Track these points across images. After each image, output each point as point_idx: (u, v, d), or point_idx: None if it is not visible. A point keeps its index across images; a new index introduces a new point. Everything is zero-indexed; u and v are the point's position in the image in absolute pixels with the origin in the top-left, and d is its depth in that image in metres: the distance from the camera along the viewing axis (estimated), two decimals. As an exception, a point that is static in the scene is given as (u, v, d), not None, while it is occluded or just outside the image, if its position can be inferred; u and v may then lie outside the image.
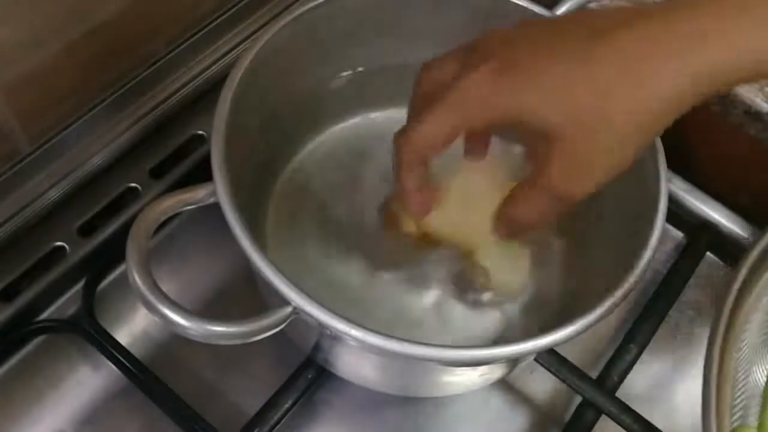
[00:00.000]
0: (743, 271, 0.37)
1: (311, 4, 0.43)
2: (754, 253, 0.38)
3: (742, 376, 0.37)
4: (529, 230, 0.35)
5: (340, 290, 0.45)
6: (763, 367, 0.39)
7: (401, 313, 0.45)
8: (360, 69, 0.50)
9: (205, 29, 0.53)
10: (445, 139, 0.32)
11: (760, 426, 0.35)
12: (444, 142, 0.32)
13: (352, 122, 0.52)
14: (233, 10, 0.54)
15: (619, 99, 0.29)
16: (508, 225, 0.35)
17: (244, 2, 0.54)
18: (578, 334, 0.34)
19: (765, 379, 0.38)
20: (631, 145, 0.31)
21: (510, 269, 0.41)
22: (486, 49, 0.32)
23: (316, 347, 0.41)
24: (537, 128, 0.30)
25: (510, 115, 0.31)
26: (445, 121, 0.32)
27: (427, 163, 0.34)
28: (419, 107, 0.34)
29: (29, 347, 0.46)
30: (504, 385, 0.47)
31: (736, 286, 0.36)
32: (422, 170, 0.34)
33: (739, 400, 0.37)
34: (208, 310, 0.48)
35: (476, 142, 0.40)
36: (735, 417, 0.36)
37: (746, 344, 0.38)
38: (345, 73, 0.49)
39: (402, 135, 0.33)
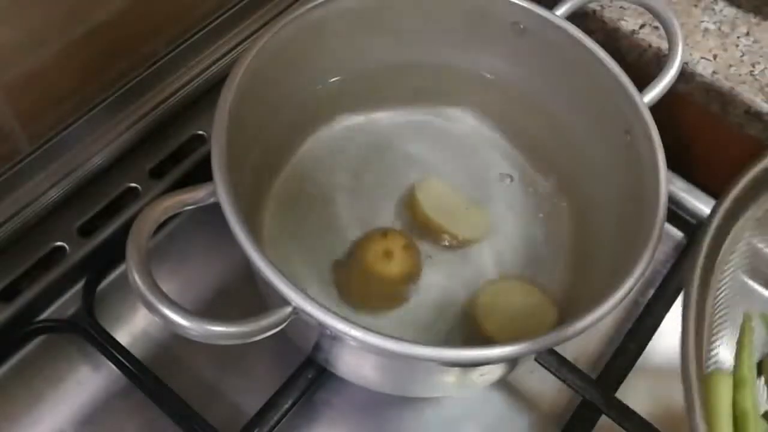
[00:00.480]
0: (715, 222, 0.36)
1: (311, 4, 0.43)
2: (730, 197, 0.37)
3: (717, 321, 0.37)
4: None
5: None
6: (738, 313, 0.39)
7: (401, 311, 0.45)
8: (360, 69, 0.50)
9: (205, 29, 0.53)
10: None
11: (738, 376, 0.36)
12: None
13: (353, 122, 0.52)
14: (233, 10, 0.54)
15: None
16: None
17: (244, 2, 0.54)
18: (578, 334, 0.34)
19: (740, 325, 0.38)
20: None
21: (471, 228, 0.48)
22: None
23: (316, 347, 0.41)
24: None
25: None
26: None
27: None
28: None
29: (29, 347, 0.46)
30: (504, 385, 0.47)
31: (709, 236, 0.35)
32: None
33: (714, 347, 0.37)
34: (208, 310, 0.48)
35: None
36: (710, 361, 0.36)
37: (725, 285, 0.38)
38: (345, 73, 0.49)
39: None
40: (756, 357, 0.37)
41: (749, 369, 0.36)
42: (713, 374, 0.35)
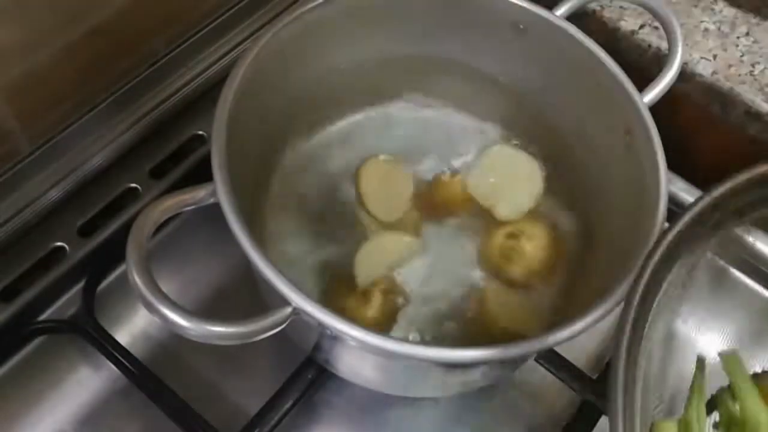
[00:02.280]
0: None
1: (311, 4, 0.43)
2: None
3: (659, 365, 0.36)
4: None
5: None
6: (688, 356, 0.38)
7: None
8: (360, 68, 0.50)
9: (205, 29, 0.53)
10: None
11: (683, 420, 0.35)
12: None
13: (353, 121, 0.52)
14: (233, 10, 0.54)
15: None
16: None
17: (244, 2, 0.54)
18: (578, 334, 0.34)
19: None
20: None
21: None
22: None
23: (316, 347, 0.41)
24: None
25: None
26: None
27: None
28: None
29: (29, 347, 0.46)
30: (504, 385, 0.47)
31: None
32: None
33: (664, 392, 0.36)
34: (208, 310, 0.48)
35: None
36: (657, 409, 0.35)
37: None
38: (345, 73, 0.49)
39: None
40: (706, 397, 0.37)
41: (698, 416, 0.35)
42: (658, 423, 0.34)
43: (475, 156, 0.50)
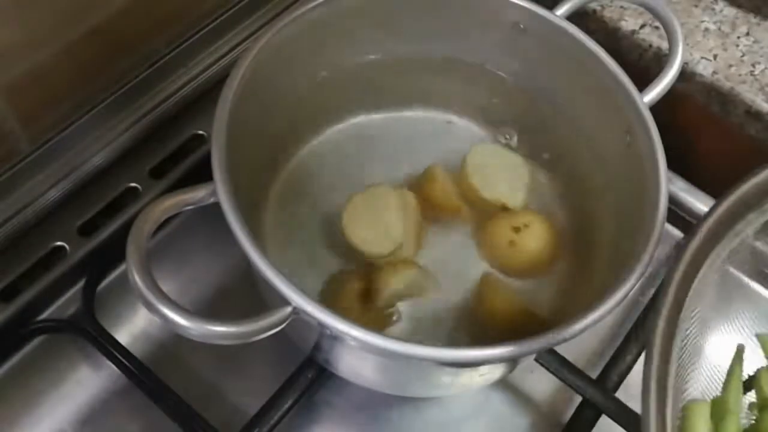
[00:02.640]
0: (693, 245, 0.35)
1: (311, 4, 0.43)
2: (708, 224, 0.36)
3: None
4: None
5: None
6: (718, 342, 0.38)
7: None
8: (360, 68, 0.50)
9: (205, 29, 0.53)
10: None
11: (719, 401, 0.35)
12: None
13: (352, 122, 0.52)
14: (233, 10, 0.54)
15: None
16: None
17: (244, 2, 0.54)
18: (578, 334, 0.34)
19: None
20: None
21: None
22: None
23: (316, 347, 0.41)
24: None
25: None
26: None
27: None
28: None
29: (29, 347, 0.46)
30: (504, 385, 0.47)
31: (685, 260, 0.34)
32: None
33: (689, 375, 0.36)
34: (208, 310, 0.48)
35: None
36: (686, 392, 0.35)
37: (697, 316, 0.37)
38: (345, 73, 0.49)
39: None
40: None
41: (735, 400, 0.35)
42: (689, 404, 0.34)
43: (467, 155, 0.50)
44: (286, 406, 0.43)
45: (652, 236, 0.37)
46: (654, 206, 0.38)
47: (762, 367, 0.37)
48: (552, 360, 0.45)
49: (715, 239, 0.34)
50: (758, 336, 0.37)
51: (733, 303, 0.41)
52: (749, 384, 0.37)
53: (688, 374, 0.35)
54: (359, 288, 0.44)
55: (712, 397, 0.36)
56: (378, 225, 0.45)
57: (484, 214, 0.48)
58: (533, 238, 0.46)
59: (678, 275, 0.32)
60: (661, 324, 0.30)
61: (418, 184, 0.48)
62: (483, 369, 0.41)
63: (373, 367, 0.41)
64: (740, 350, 0.37)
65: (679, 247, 0.32)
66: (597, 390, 0.44)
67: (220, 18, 0.53)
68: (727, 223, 0.35)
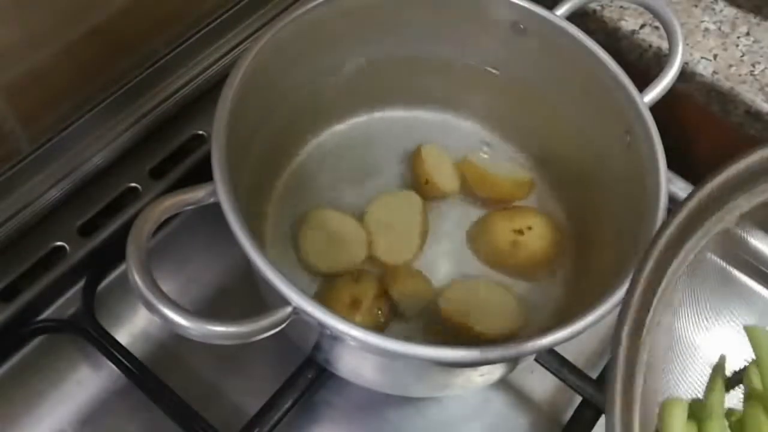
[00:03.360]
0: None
1: (311, 4, 0.43)
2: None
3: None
4: None
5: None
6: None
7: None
8: (360, 68, 0.50)
9: (205, 29, 0.53)
10: None
11: (701, 403, 0.34)
12: None
13: (352, 122, 0.52)
14: (233, 9, 0.54)
15: None
16: None
17: (244, 2, 0.54)
18: (578, 334, 0.34)
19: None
20: None
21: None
22: None
23: (316, 347, 0.41)
24: None
25: None
26: None
27: None
28: None
29: (29, 347, 0.46)
30: (504, 385, 0.47)
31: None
32: None
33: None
34: (208, 310, 0.48)
35: None
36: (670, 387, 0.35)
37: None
38: (345, 73, 0.49)
39: None
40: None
41: (719, 403, 0.35)
42: (665, 402, 0.33)
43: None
44: (286, 406, 0.43)
45: (652, 236, 0.37)
46: (654, 206, 0.38)
47: (750, 360, 0.37)
48: (552, 360, 0.45)
49: (692, 227, 0.34)
50: (746, 328, 0.37)
51: (720, 294, 0.41)
52: (738, 378, 0.37)
53: (668, 368, 0.35)
54: (351, 293, 0.44)
55: (703, 391, 0.36)
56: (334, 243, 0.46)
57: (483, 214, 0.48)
58: (536, 239, 0.46)
59: (650, 264, 0.31)
60: (629, 318, 0.30)
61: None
62: (483, 369, 0.41)
63: (373, 367, 0.41)
64: (722, 361, 0.37)
65: (655, 236, 0.32)
66: (597, 390, 0.44)
67: (220, 18, 0.53)
68: (705, 210, 0.35)
